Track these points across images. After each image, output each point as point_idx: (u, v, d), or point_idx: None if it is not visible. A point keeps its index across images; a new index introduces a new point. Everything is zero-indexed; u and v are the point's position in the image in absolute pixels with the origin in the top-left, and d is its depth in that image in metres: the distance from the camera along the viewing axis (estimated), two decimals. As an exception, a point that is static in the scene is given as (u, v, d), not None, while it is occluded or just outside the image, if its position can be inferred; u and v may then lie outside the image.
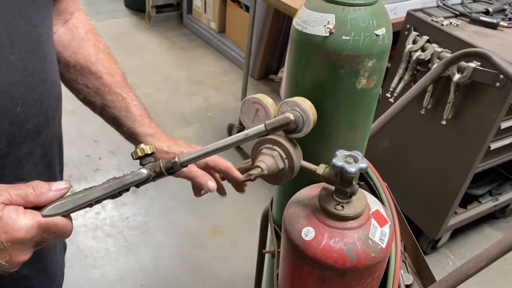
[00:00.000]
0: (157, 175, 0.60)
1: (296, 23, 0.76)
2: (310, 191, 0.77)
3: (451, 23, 1.69)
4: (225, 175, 0.84)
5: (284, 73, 3.36)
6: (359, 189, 0.72)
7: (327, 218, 0.69)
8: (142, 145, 0.60)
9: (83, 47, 0.83)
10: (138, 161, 0.62)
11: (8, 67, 0.61)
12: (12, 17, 0.61)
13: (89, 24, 0.87)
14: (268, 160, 0.74)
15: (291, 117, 0.59)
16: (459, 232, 2.26)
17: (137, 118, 0.81)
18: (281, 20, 3.24)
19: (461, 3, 1.89)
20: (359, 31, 0.70)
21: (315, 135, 0.78)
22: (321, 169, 0.72)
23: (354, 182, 0.69)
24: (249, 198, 2.25)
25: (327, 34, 0.71)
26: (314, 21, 0.72)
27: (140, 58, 3.52)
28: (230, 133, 2.74)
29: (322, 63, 0.73)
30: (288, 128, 0.62)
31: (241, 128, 2.59)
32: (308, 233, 0.69)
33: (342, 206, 0.69)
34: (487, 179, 2.19)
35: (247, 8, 3.42)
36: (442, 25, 1.68)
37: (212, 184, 0.79)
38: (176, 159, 0.59)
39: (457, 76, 1.55)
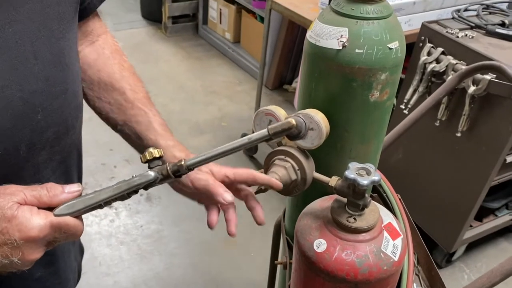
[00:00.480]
0: (164, 178, 0.62)
1: (310, 36, 0.77)
2: (323, 203, 0.77)
3: (466, 35, 1.68)
4: (251, 183, 0.80)
5: (298, 84, 3.37)
6: (372, 201, 0.72)
7: (339, 230, 0.69)
8: (150, 149, 0.62)
9: (108, 65, 0.86)
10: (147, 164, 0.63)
11: (31, 76, 0.64)
12: (36, 30, 0.64)
13: (115, 45, 0.91)
14: (281, 171, 0.75)
15: (293, 121, 0.60)
16: (474, 245, 2.23)
17: (159, 132, 0.82)
18: (296, 30, 3.25)
19: (477, 15, 1.88)
20: (372, 45, 0.71)
21: (328, 147, 0.79)
22: (333, 181, 0.72)
23: (366, 195, 0.69)
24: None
25: (340, 48, 0.71)
26: (327, 35, 0.73)
27: (156, 68, 3.56)
28: (243, 142, 2.76)
29: (335, 76, 0.74)
30: (290, 133, 0.63)
31: (255, 138, 2.59)
32: (320, 245, 0.69)
33: (355, 219, 0.69)
34: (503, 192, 2.15)
35: (261, 19, 3.44)
36: (457, 37, 1.67)
37: (228, 196, 0.76)
38: (182, 162, 0.60)
39: (472, 88, 1.54)
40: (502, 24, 1.78)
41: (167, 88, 3.34)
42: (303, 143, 0.75)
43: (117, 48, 0.91)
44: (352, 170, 0.67)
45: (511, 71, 0.90)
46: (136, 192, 0.61)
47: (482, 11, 1.90)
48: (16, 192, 0.55)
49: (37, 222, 0.54)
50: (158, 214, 2.34)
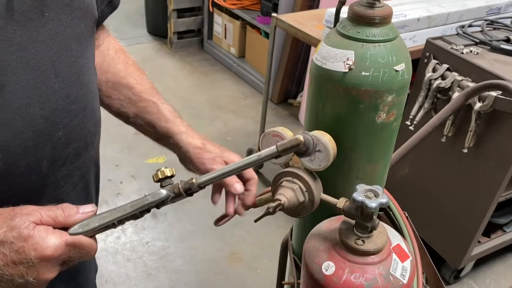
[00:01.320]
0: (175, 196, 0.62)
1: (316, 58, 0.77)
2: (330, 224, 0.77)
3: (471, 51, 1.69)
4: (245, 186, 0.83)
5: (303, 98, 3.38)
6: (380, 223, 0.72)
7: (348, 252, 0.69)
8: (162, 168, 0.63)
9: (113, 65, 0.91)
10: (158, 184, 0.64)
11: (52, 94, 0.66)
12: (57, 50, 0.67)
13: (118, 45, 0.95)
14: (288, 193, 0.75)
15: (301, 138, 0.61)
16: (482, 261, 2.21)
17: (169, 119, 0.87)
18: (300, 45, 3.28)
19: (481, 31, 1.89)
20: (378, 67, 0.71)
21: (335, 168, 0.79)
22: (341, 203, 0.72)
23: (374, 217, 0.69)
24: (268, 225, 2.25)
25: (347, 70, 0.72)
26: (333, 57, 0.73)
27: (162, 83, 3.59)
28: (249, 157, 2.76)
29: (342, 98, 0.74)
30: (299, 150, 0.63)
31: (260, 153, 2.60)
32: (328, 268, 0.69)
33: (363, 241, 0.69)
34: (511, 208, 2.14)
35: (266, 34, 3.47)
36: (462, 53, 1.67)
37: (239, 186, 0.79)
38: (194, 180, 0.62)
39: (478, 105, 1.54)
40: (507, 40, 1.78)
41: (172, 102, 3.32)
42: (311, 165, 0.75)
43: (120, 47, 0.95)
44: (360, 192, 0.67)
45: (517, 90, 0.90)
46: (148, 211, 0.62)
47: (487, 27, 1.91)
48: (33, 212, 0.57)
49: (53, 241, 0.56)
50: (164, 231, 2.34)
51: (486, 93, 1.50)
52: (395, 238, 0.75)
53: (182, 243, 2.28)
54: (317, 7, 3.01)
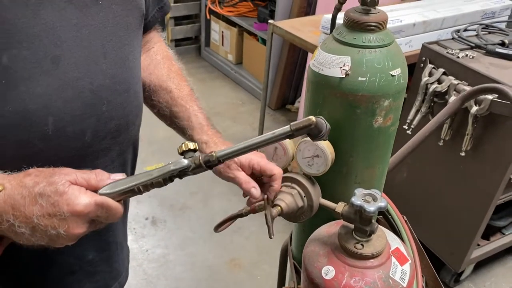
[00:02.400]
0: (196, 167, 0.67)
1: (313, 64, 0.78)
2: (329, 229, 0.77)
3: (466, 55, 1.70)
4: (268, 182, 0.84)
5: (301, 103, 3.39)
6: (379, 227, 0.73)
7: (347, 256, 0.70)
8: (186, 142, 0.68)
9: (158, 69, 0.98)
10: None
11: (100, 73, 0.75)
12: (106, 35, 0.75)
13: (166, 52, 1.03)
14: (288, 198, 0.75)
15: (313, 119, 0.62)
16: (482, 264, 2.21)
17: (195, 127, 0.92)
18: (297, 51, 3.29)
19: (476, 35, 1.90)
20: (374, 72, 0.72)
21: (334, 172, 0.80)
22: (340, 207, 0.73)
23: (373, 221, 0.69)
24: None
25: (343, 76, 0.73)
26: (330, 63, 0.74)
27: (160, 91, 3.60)
28: (247, 164, 2.77)
29: (339, 103, 0.75)
30: (311, 132, 0.64)
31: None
32: (328, 272, 0.69)
33: (362, 245, 0.70)
34: (510, 210, 2.14)
35: (263, 41, 3.49)
36: (458, 57, 1.69)
37: (255, 191, 0.81)
38: (213, 153, 0.66)
39: (474, 108, 1.55)
40: (502, 44, 1.80)
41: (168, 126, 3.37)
42: (309, 170, 0.76)
43: (168, 54, 1.03)
44: (358, 197, 0.67)
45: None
46: (171, 180, 0.67)
47: (482, 31, 1.92)
48: (70, 173, 0.64)
49: (84, 199, 0.62)
50: (163, 238, 2.34)
51: (482, 96, 1.51)
52: (394, 241, 0.75)
53: (182, 250, 2.28)
54: (313, 13, 3.03)
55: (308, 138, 0.74)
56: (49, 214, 0.61)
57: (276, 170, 0.80)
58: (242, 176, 0.83)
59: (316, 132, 0.64)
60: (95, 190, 0.64)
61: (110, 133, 0.79)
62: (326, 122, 0.65)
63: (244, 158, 0.82)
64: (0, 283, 0.82)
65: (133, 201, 2.50)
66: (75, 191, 0.62)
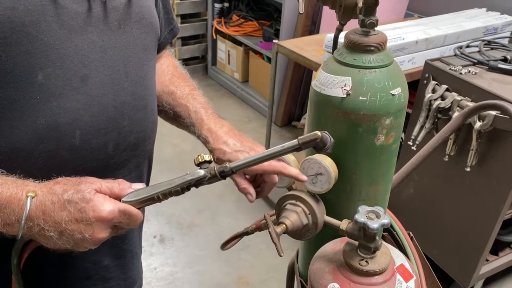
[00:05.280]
0: (212, 177, 0.72)
1: (315, 85, 0.80)
2: (335, 246, 0.79)
3: (469, 71, 1.71)
4: (280, 173, 0.85)
5: (306, 119, 3.41)
6: (383, 243, 0.74)
7: (352, 273, 0.71)
8: (202, 154, 0.73)
9: (161, 76, 1.03)
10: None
11: (122, 90, 0.81)
12: (128, 56, 0.82)
13: (172, 61, 1.09)
14: (292, 216, 0.77)
15: (318, 133, 0.67)
16: (492, 280, 2.19)
17: (195, 123, 0.95)
18: (302, 69, 3.33)
19: (479, 51, 1.92)
20: (375, 92, 0.74)
21: (338, 190, 0.81)
22: (344, 224, 0.74)
23: (377, 238, 0.70)
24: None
25: (345, 96, 0.75)
26: (331, 83, 0.76)
27: (167, 110, 3.65)
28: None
29: (341, 122, 0.77)
30: (316, 145, 0.69)
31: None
32: (333, 289, 0.70)
33: (367, 262, 0.71)
34: (518, 225, 2.13)
35: (268, 59, 3.53)
36: (461, 73, 1.70)
37: (250, 197, 0.85)
38: (227, 164, 0.71)
39: (478, 124, 1.56)
40: (504, 59, 1.81)
41: (178, 129, 3.41)
42: (313, 188, 0.77)
43: (173, 63, 1.09)
44: (362, 214, 0.69)
45: (513, 109, 0.92)
46: (188, 189, 0.72)
47: (484, 47, 1.94)
48: (95, 182, 0.69)
49: (108, 206, 0.67)
50: (171, 256, 2.35)
51: (486, 112, 1.53)
52: (398, 258, 0.76)
53: (190, 268, 2.28)
54: (317, 32, 3.07)
55: (311, 156, 0.76)
56: (76, 220, 0.65)
57: (278, 164, 0.82)
58: (243, 181, 0.85)
59: (322, 145, 0.69)
60: (117, 198, 0.69)
61: (130, 146, 0.85)
62: (330, 136, 0.70)
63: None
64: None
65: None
66: (100, 199, 0.67)
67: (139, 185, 0.72)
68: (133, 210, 0.69)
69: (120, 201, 0.70)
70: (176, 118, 1.00)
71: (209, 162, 0.73)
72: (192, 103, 0.98)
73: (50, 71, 0.72)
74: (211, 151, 0.90)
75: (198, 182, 0.71)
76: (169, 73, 1.05)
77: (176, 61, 1.10)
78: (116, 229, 0.71)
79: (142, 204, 0.71)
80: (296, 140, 0.69)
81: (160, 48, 1.02)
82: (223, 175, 0.71)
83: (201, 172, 0.71)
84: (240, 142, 0.89)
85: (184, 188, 0.71)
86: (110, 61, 0.79)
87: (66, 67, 0.73)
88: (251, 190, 0.83)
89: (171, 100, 1.00)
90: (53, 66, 0.72)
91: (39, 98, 0.72)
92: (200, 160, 0.73)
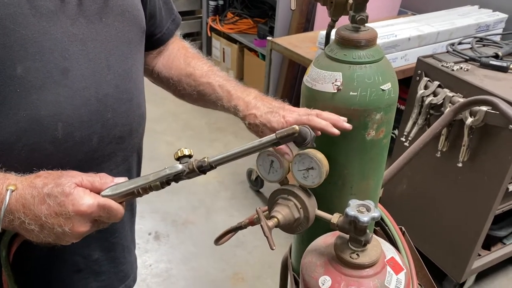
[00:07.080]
0: (190, 172, 0.71)
1: (306, 80, 0.81)
2: (326, 239, 0.80)
3: (461, 68, 1.73)
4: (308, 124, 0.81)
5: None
6: (374, 237, 0.75)
7: (343, 266, 0.72)
8: (181, 148, 0.72)
9: (175, 61, 1.04)
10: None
11: (105, 83, 0.81)
12: (110, 48, 0.82)
13: (181, 44, 1.09)
14: (284, 210, 0.78)
15: (297, 128, 0.66)
16: (484, 274, 2.21)
17: (223, 96, 0.94)
18: (297, 66, 3.33)
19: (471, 48, 1.94)
20: (365, 87, 0.75)
21: (329, 184, 0.82)
22: (335, 218, 0.75)
23: (368, 231, 0.71)
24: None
25: (335, 91, 0.76)
26: (322, 79, 0.77)
27: (163, 107, 3.64)
28: (249, 177, 2.78)
29: (333, 117, 0.78)
30: (296, 140, 0.69)
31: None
32: (325, 282, 0.71)
33: (358, 255, 0.72)
34: (510, 220, 2.15)
35: (263, 57, 3.54)
36: (453, 70, 1.72)
37: (288, 157, 0.81)
38: (206, 159, 0.71)
39: (469, 120, 1.57)
40: (496, 56, 1.83)
41: (173, 126, 3.41)
42: (305, 182, 0.78)
43: (183, 45, 1.08)
44: (353, 207, 0.70)
45: (503, 105, 0.94)
46: (168, 183, 0.71)
47: (476, 44, 1.96)
48: (76, 175, 0.69)
49: (87, 200, 0.67)
50: (166, 253, 2.35)
51: (477, 108, 1.54)
52: (389, 251, 0.77)
53: (185, 264, 2.29)
54: (312, 29, 3.08)
55: (303, 151, 0.77)
56: (56, 213, 0.65)
57: (333, 116, 0.78)
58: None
59: (301, 140, 0.69)
60: (98, 192, 0.69)
61: (115, 139, 0.85)
62: (311, 130, 0.70)
63: (277, 124, 0.83)
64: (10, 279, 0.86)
65: (136, 216, 2.52)
66: (80, 193, 0.66)
67: (121, 179, 0.72)
68: (113, 204, 0.69)
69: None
70: (200, 97, 0.99)
71: (189, 156, 0.72)
72: (215, 79, 0.97)
73: (29, 64, 0.72)
74: (243, 118, 0.89)
75: (177, 177, 0.71)
76: (182, 56, 1.05)
77: (186, 42, 1.10)
78: (97, 223, 0.70)
79: (122, 198, 0.70)
80: (274, 134, 0.68)
81: (164, 40, 1.03)
82: (201, 169, 0.71)
83: (179, 166, 0.71)
84: (269, 104, 0.89)
85: (163, 182, 0.71)
86: (91, 54, 0.79)
87: (45, 60, 0.73)
88: (287, 149, 0.81)
89: (191, 82, 1.00)
90: (32, 59, 0.72)
91: (19, 92, 0.72)
92: (180, 155, 0.72)
